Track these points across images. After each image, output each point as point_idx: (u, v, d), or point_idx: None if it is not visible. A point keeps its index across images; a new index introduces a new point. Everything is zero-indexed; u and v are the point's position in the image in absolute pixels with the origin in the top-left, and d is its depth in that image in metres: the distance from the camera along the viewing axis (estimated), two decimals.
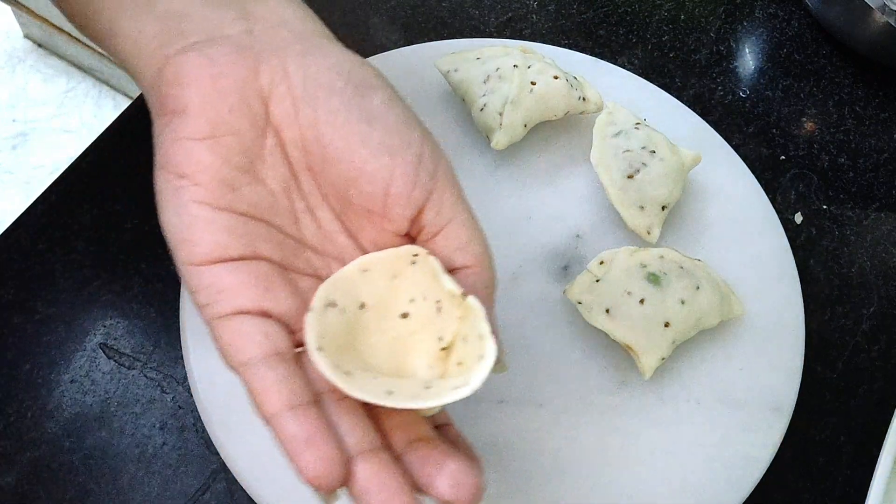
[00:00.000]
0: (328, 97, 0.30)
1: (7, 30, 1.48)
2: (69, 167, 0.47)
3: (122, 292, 0.44)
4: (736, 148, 0.49)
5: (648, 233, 0.43)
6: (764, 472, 0.39)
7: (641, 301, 0.40)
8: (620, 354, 0.42)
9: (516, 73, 0.45)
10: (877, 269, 0.48)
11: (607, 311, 0.40)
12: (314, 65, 0.31)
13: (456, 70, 0.47)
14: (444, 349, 0.30)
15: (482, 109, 0.45)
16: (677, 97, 0.50)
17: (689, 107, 0.50)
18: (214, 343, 0.28)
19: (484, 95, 0.45)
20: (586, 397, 0.41)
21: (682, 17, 0.57)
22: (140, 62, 0.31)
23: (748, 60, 0.56)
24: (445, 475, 0.27)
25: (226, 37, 0.30)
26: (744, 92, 0.54)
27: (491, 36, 0.55)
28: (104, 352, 0.42)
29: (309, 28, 0.32)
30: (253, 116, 0.30)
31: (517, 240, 0.45)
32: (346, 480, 0.27)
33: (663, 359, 0.40)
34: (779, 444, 0.40)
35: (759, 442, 0.40)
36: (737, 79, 0.55)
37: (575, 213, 0.46)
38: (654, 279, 0.40)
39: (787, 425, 0.41)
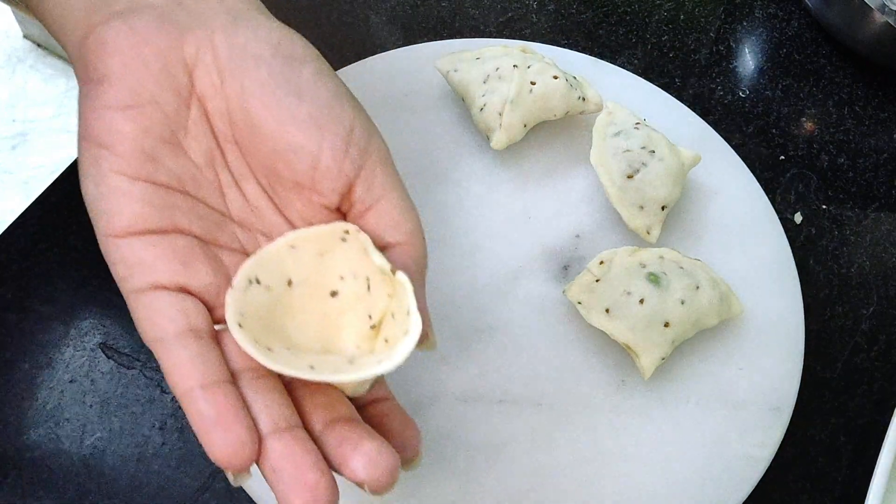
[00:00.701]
0: (256, 69, 0.29)
1: (7, 30, 1.48)
2: (69, 167, 0.47)
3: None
4: (736, 148, 0.49)
5: (648, 233, 0.43)
6: (764, 472, 0.39)
7: (641, 301, 0.40)
8: (620, 354, 0.42)
9: (516, 73, 0.45)
10: (876, 269, 0.48)
11: (607, 310, 0.40)
12: (242, 36, 0.30)
13: (456, 70, 0.47)
14: (373, 327, 0.30)
15: (482, 109, 0.45)
16: (677, 97, 0.50)
17: (689, 107, 0.50)
18: (133, 317, 0.28)
19: (484, 95, 0.45)
20: (586, 397, 0.41)
21: (682, 17, 0.57)
22: (66, 29, 0.31)
23: (748, 60, 0.56)
24: (360, 455, 0.27)
25: (151, 6, 0.30)
26: (743, 92, 0.54)
27: (491, 36, 0.55)
28: (103, 351, 0.42)
29: None
30: (176, 86, 0.29)
31: (517, 240, 0.45)
32: (257, 459, 0.26)
33: (663, 359, 0.40)
34: (779, 444, 0.40)
35: (759, 442, 0.40)
36: (737, 79, 0.55)
37: (575, 213, 0.46)
38: (653, 279, 0.40)
39: (787, 425, 0.41)
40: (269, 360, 0.27)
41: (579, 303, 0.41)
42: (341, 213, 0.31)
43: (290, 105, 0.29)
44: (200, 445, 0.40)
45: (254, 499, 0.38)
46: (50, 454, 0.40)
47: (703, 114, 0.51)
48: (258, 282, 0.29)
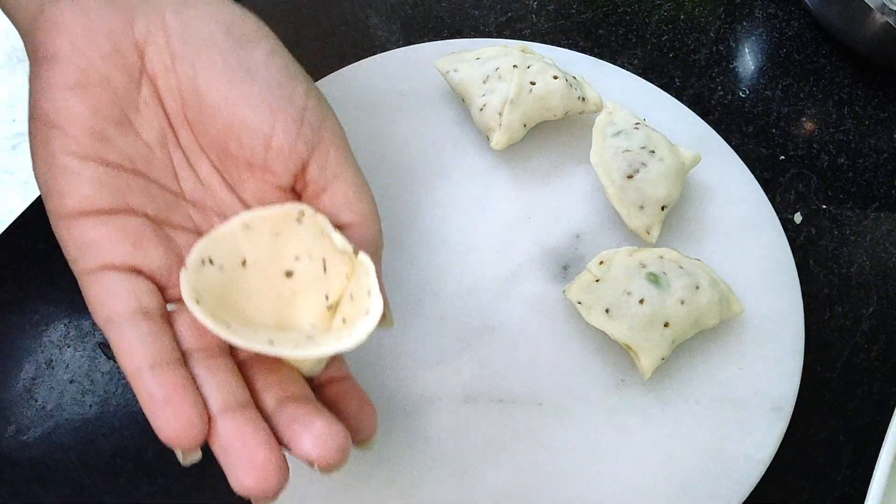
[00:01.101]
0: (208, 50, 0.29)
1: (7, 30, 1.48)
2: None
3: None
4: (736, 148, 0.49)
5: (648, 233, 0.43)
6: (764, 472, 0.39)
7: (641, 301, 0.40)
8: (620, 354, 0.42)
9: (516, 73, 0.45)
10: (876, 268, 0.48)
11: (607, 310, 0.40)
12: (193, 17, 0.30)
13: (456, 70, 0.47)
14: (329, 308, 0.30)
15: (482, 109, 0.45)
16: (677, 97, 0.50)
17: (688, 107, 0.50)
18: (84, 298, 0.28)
19: (483, 95, 0.45)
20: (586, 397, 0.41)
21: (682, 17, 0.57)
22: (18, 7, 0.31)
23: (748, 60, 0.56)
24: (311, 433, 0.27)
25: None
26: (743, 92, 0.54)
27: (490, 36, 0.55)
28: (104, 352, 0.42)
29: None
30: (127, 66, 0.29)
31: (517, 240, 0.45)
32: (207, 438, 0.26)
33: (663, 359, 0.40)
34: (778, 444, 0.40)
35: (759, 442, 0.40)
36: (736, 79, 0.55)
37: (575, 213, 0.46)
38: (653, 279, 0.40)
39: (787, 425, 0.41)
40: (229, 333, 0.27)
41: (579, 303, 0.41)
42: (296, 194, 0.31)
43: (242, 85, 0.29)
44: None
45: None
46: (49, 454, 0.40)
47: (703, 114, 0.51)
48: (211, 262, 0.29)
